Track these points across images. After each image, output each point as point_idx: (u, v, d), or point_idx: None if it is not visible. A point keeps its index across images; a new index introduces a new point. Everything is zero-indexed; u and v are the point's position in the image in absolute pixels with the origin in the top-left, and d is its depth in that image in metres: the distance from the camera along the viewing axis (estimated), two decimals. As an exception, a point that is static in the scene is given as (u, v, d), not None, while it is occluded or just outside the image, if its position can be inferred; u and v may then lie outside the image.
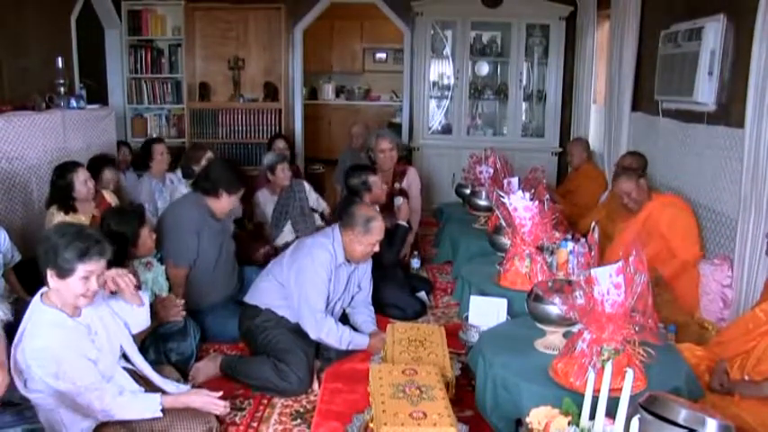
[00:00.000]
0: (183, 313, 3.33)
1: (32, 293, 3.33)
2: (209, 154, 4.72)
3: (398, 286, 3.91)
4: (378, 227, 3.12)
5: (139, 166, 4.97)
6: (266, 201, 4.66)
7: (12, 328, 2.92)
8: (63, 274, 2.07)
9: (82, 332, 2.17)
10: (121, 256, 2.79)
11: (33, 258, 3.52)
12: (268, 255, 4.21)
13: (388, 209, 4.15)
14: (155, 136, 6.14)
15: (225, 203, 3.49)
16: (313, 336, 3.11)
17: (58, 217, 3.49)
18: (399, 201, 4.23)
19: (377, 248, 3.19)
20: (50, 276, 2.09)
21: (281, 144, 5.42)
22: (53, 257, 2.06)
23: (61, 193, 3.59)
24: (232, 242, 3.69)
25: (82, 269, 2.07)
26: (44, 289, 2.16)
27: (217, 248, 3.50)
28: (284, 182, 4.58)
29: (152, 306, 2.69)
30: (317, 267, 3.09)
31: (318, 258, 3.10)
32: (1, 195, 3.84)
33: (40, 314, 2.11)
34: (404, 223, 4.19)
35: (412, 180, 4.91)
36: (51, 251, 2.07)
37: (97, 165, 4.12)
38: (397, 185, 4.63)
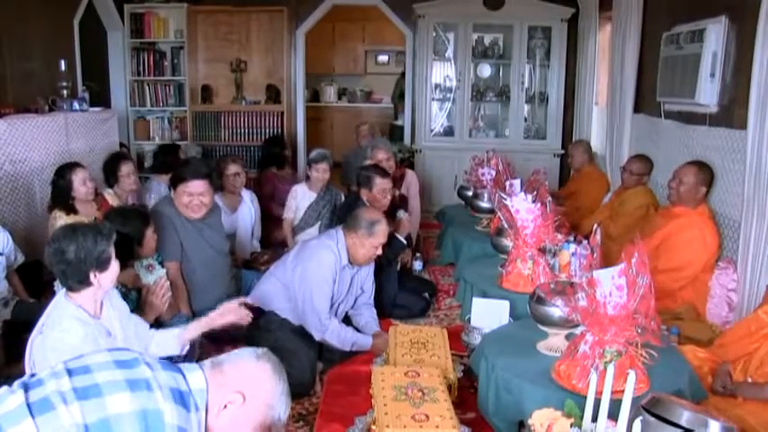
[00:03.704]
0: (186, 310, 3.34)
1: (35, 295, 3.38)
2: (234, 167, 4.44)
3: (401, 287, 3.90)
4: (381, 230, 3.13)
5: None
6: (303, 196, 4.65)
7: (12, 329, 2.95)
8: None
9: (101, 332, 2.17)
10: (127, 256, 2.79)
11: (36, 260, 3.56)
12: (267, 262, 4.16)
13: (389, 219, 4.10)
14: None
15: (177, 198, 3.40)
16: (317, 337, 3.11)
17: (60, 220, 3.49)
18: (401, 214, 4.15)
19: (380, 251, 3.19)
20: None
21: (284, 151, 5.38)
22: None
23: (62, 194, 3.60)
24: (223, 242, 3.64)
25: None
26: (64, 290, 2.18)
27: (203, 244, 3.45)
28: (319, 181, 4.60)
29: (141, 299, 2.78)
30: (321, 269, 3.09)
31: (323, 260, 3.11)
32: (4, 197, 3.85)
33: (63, 308, 2.14)
34: (401, 238, 4.03)
35: (410, 182, 4.92)
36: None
37: (114, 161, 4.15)
38: (396, 192, 4.61)
